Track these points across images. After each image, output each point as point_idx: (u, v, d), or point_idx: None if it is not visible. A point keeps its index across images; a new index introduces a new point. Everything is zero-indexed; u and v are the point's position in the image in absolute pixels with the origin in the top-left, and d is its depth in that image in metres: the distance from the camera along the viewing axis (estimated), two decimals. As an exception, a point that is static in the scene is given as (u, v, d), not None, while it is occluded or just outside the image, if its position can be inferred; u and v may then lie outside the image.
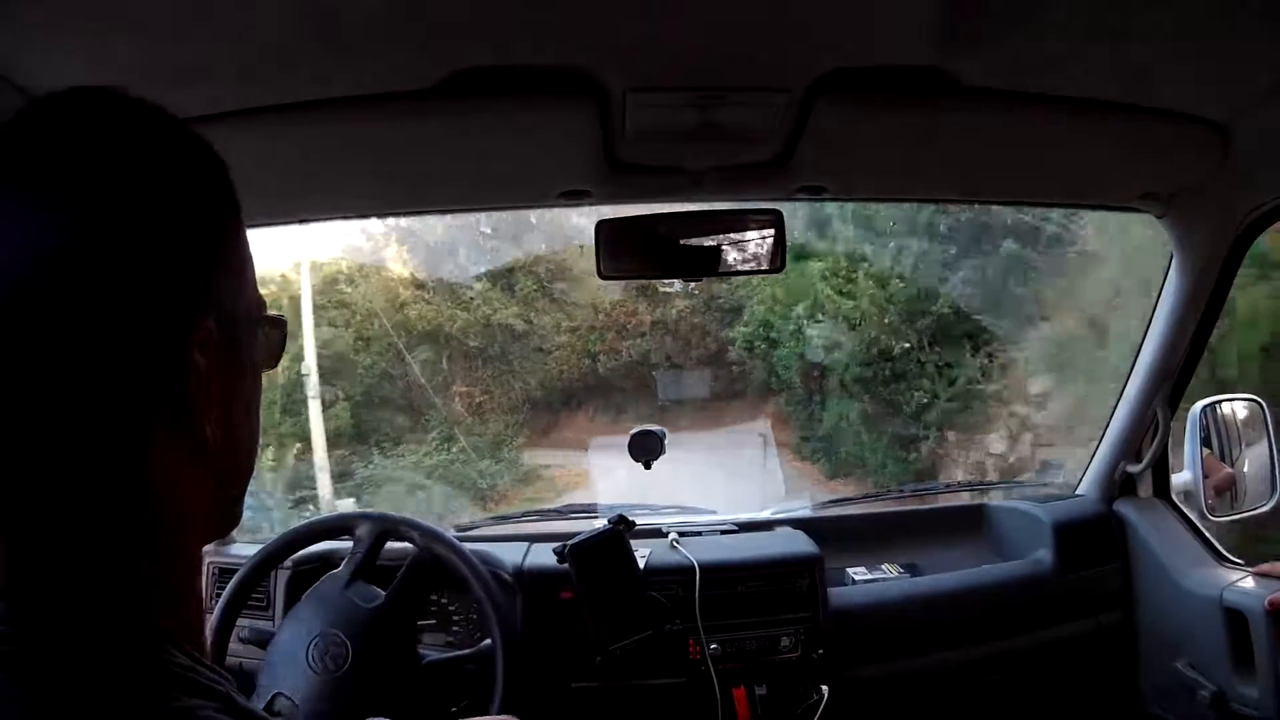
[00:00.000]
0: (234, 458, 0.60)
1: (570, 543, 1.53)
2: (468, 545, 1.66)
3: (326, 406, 9.00)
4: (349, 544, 1.51)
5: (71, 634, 0.49)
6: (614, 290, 9.97)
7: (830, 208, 7.57)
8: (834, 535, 1.85)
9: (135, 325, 0.52)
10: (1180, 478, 1.84)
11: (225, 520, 0.63)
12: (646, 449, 1.76)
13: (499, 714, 1.35)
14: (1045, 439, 7.36)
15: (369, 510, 1.58)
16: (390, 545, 1.51)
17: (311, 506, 8.09)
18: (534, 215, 9.64)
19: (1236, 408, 1.81)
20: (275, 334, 0.65)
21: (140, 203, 0.53)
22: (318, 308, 9.22)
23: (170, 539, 0.55)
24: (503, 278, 10.54)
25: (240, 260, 0.61)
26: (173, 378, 0.53)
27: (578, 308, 10.80)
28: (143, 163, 0.54)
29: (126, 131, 0.55)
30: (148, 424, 0.53)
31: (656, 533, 1.78)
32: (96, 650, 0.48)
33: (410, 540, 1.50)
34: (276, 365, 0.66)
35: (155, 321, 0.53)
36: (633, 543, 1.57)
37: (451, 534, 1.58)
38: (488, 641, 1.45)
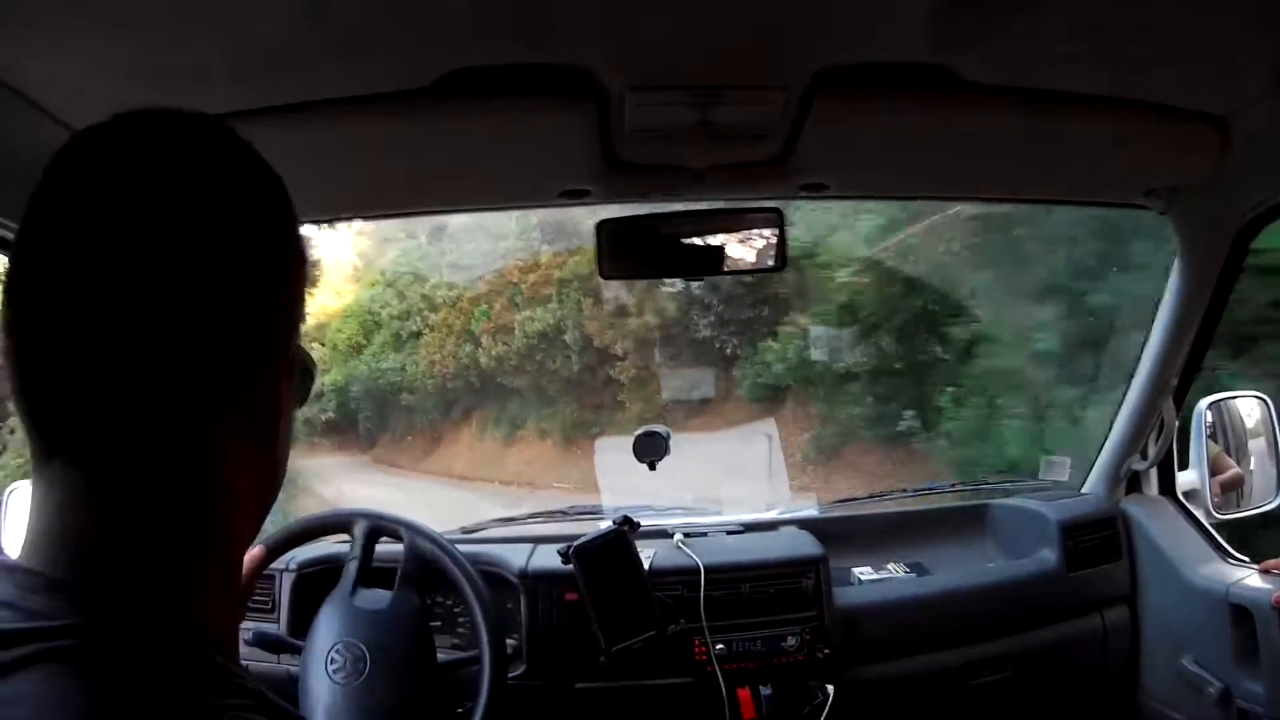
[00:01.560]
0: (283, 467, 0.63)
1: (575, 544, 1.53)
2: (474, 547, 1.67)
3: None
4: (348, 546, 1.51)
5: (133, 630, 0.49)
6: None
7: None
8: (839, 535, 1.85)
9: (248, 346, 0.56)
10: (1186, 475, 1.84)
11: (259, 526, 0.65)
12: (651, 450, 1.76)
13: (486, 714, 1.37)
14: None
15: (363, 508, 1.57)
16: (386, 547, 1.52)
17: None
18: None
19: (1242, 405, 1.81)
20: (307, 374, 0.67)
21: (259, 235, 0.58)
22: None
23: (227, 539, 0.57)
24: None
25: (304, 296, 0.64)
26: (267, 392, 0.58)
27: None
28: (263, 197, 0.59)
29: (244, 165, 0.59)
30: (222, 428, 0.55)
31: (662, 533, 1.77)
32: (151, 647, 0.49)
33: (398, 538, 1.51)
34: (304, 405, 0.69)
35: (265, 345, 0.57)
36: (638, 543, 1.57)
37: (440, 533, 1.58)
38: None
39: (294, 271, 0.60)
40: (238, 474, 0.56)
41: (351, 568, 1.47)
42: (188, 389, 0.53)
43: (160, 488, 0.53)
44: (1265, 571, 1.58)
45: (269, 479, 0.61)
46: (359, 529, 1.51)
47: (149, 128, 0.56)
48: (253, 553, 1.29)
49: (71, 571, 0.50)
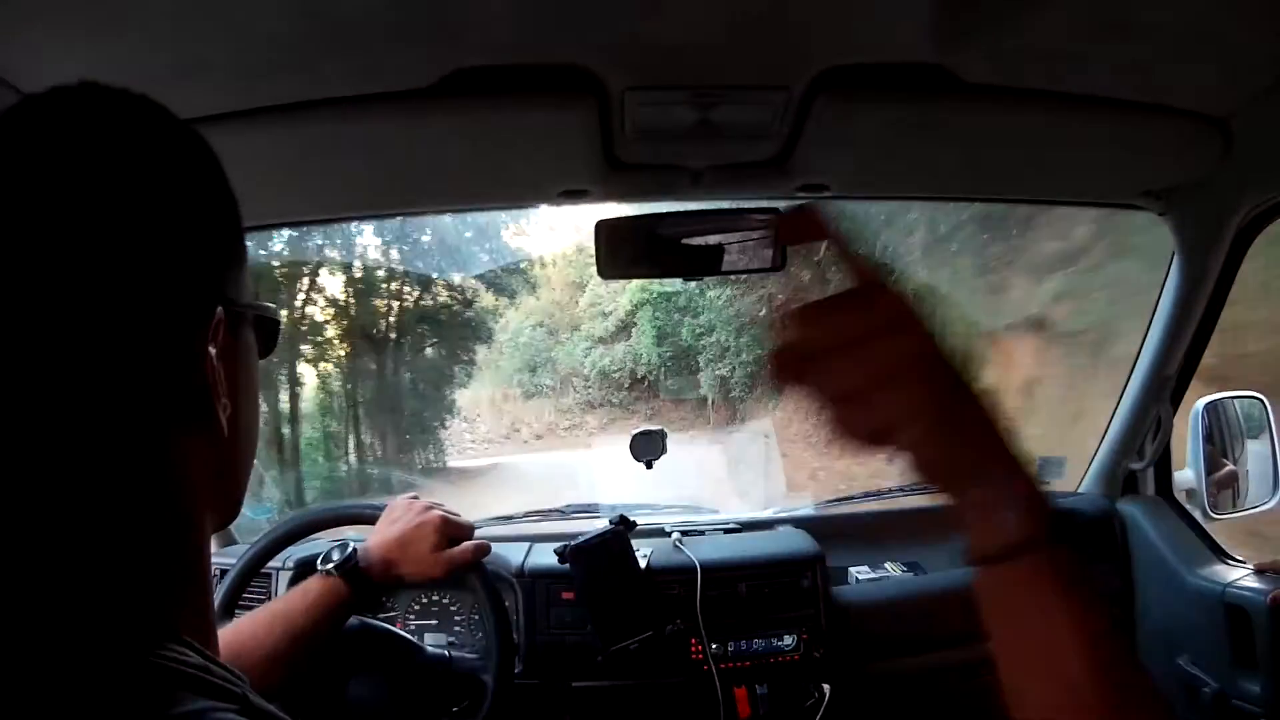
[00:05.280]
0: (241, 446, 0.61)
1: (572, 543, 1.53)
2: None
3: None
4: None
5: (98, 637, 0.48)
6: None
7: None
8: (836, 534, 1.85)
9: (152, 317, 0.52)
10: (1183, 475, 1.84)
11: (229, 512, 0.63)
12: (648, 449, 1.76)
13: (488, 717, 1.36)
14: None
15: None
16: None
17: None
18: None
19: (1239, 405, 1.81)
20: (270, 324, 0.66)
21: (158, 199, 0.53)
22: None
23: (184, 531, 0.55)
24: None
25: (243, 253, 0.61)
26: (187, 367, 0.54)
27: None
28: (157, 160, 0.55)
29: (138, 128, 0.55)
30: (163, 413, 0.53)
31: (659, 532, 1.78)
32: (106, 650, 0.48)
33: None
34: (269, 354, 0.67)
35: (171, 313, 0.53)
36: (635, 542, 1.57)
37: None
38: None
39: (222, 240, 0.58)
40: (192, 457, 0.55)
41: None
42: (120, 379, 0.51)
43: (100, 486, 0.51)
44: (1261, 571, 1.58)
45: (234, 452, 0.59)
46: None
47: (54, 105, 0.53)
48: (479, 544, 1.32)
49: (30, 584, 0.49)
